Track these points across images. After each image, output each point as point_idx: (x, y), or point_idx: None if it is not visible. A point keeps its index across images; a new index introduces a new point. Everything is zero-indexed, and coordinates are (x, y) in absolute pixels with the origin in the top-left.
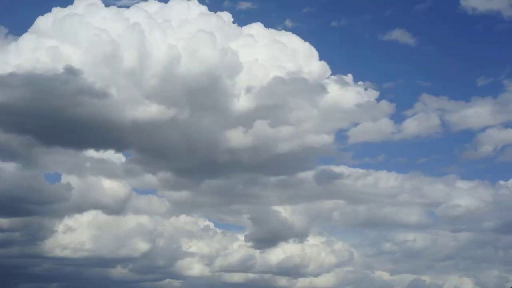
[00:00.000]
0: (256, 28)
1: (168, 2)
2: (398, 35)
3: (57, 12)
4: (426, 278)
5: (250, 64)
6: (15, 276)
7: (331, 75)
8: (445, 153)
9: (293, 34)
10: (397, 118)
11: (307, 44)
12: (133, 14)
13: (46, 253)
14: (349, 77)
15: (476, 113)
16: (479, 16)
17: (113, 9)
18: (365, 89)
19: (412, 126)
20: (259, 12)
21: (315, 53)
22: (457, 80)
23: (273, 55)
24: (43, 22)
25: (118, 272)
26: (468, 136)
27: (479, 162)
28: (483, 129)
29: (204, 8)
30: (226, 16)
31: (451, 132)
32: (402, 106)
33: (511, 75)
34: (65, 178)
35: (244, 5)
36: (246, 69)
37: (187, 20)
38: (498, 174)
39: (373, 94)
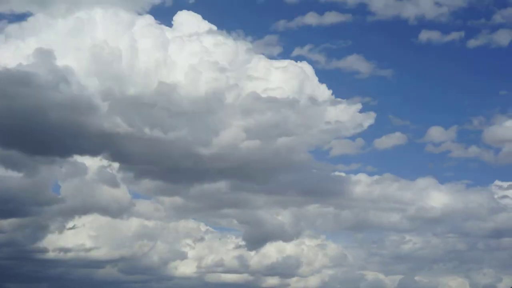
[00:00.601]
0: None
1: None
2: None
3: None
4: (422, 279)
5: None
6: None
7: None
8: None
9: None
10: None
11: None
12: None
13: (39, 254)
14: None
15: (440, 132)
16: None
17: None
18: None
19: (383, 142)
20: None
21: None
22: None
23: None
24: None
25: (113, 272)
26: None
27: (453, 169)
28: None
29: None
30: None
31: (421, 146)
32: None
33: (465, 101)
34: (59, 183)
35: None
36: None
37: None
38: (478, 180)
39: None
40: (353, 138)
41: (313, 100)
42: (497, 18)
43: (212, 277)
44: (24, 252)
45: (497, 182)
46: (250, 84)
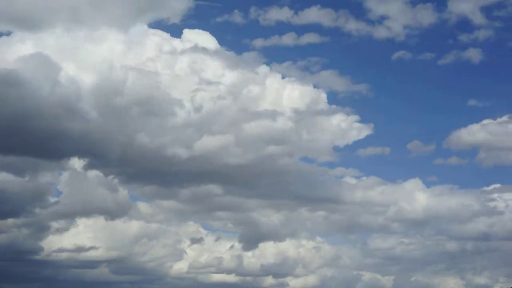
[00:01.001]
0: None
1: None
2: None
3: None
4: (418, 280)
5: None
6: None
7: None
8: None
9: None
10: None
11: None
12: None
13: (34, 255)
14: None
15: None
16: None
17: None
18: None
19: (369, 151)
20: None
21: None
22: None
23: None
24: None
25: (106, 273)
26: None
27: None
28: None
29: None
30: None
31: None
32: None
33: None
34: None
35: None
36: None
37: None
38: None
39: None
40: (344, 147)
41: (305, 112)
42: (463, 39)
43: (208, 278)
44: (19, 253)
45: (485, 188)
46: (245, 96)
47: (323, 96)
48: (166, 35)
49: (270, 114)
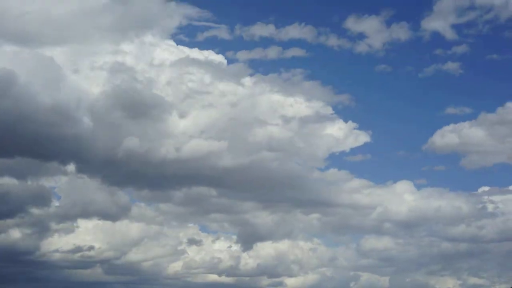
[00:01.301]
0: None
1: None
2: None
3: None
4: (415, 280)
5: None
6: None
7: None
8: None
9: None
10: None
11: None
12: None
13: (31, 256)
14: None
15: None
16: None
17: None
18: None
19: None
20: None
21: None
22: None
23: None
24: None
25: (103, 274)
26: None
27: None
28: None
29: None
30: None
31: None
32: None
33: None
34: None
35: None
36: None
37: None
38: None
39: None
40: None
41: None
42: (439, 52)
43: (204, 278)
44: (17, 254)
45: (474, 191)
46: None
47: (316, 105)
48: (162, 46)
49: (263, 122)
